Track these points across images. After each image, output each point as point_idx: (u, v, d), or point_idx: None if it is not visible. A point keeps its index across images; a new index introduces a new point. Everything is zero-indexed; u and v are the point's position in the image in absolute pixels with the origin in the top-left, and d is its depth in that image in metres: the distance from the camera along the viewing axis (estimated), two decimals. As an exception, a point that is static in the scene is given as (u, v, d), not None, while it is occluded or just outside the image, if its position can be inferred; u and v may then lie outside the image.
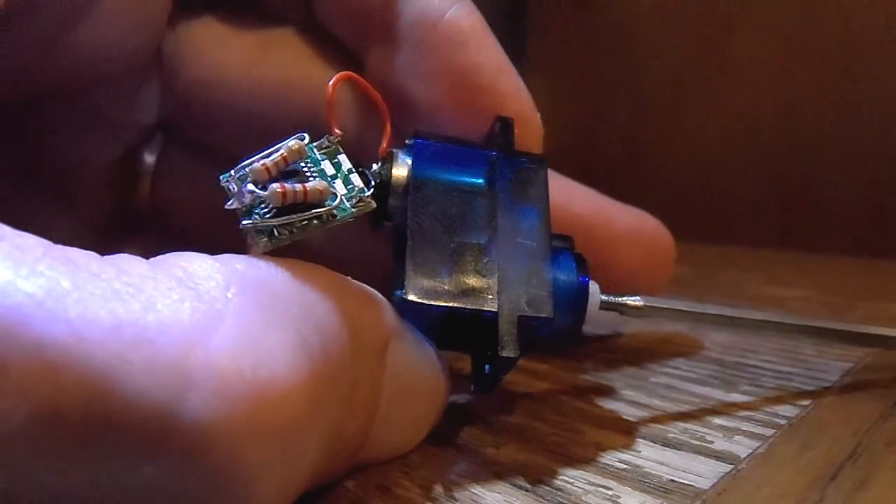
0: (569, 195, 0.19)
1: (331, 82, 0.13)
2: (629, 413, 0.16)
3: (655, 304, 0.15)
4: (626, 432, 0.14)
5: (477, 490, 0.12)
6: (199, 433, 0.08)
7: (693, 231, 0.45)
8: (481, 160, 0.14)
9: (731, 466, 0.13)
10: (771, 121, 0.44)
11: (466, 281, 0.13)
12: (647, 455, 0.13)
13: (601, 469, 0.13)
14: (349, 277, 0.12)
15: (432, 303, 0.12)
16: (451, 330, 0.13)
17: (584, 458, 0.13)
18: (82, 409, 0.07)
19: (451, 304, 0.12)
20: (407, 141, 0.14)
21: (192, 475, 0.08)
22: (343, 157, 0.13)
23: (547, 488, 0.12)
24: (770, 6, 0.43)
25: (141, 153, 0.19)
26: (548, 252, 0.13)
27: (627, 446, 0.14)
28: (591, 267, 0.15)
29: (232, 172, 0.12)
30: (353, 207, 0.12)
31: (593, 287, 0.14)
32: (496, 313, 0.12)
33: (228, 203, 0.12)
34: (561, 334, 0.14)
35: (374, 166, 0.14)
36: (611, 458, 0.13)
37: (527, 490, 0.12)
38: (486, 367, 0.14)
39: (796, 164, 0.43)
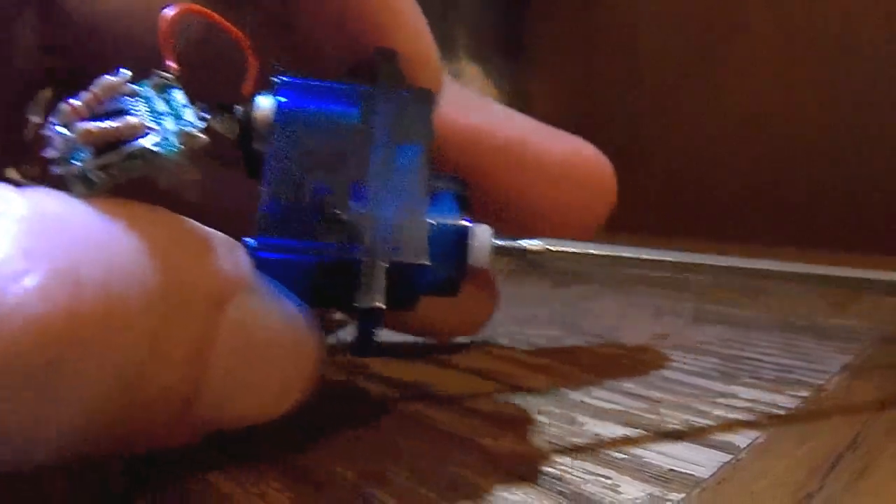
0: (492, 121, 0.17)
1: (169, 15, 0.12)
2: (628, 404, 0.15)
3: (560, 248, 0.14)
4: (625, 423, 0.14)
5: (476, 480, 0.12)
6: None
7: (693, 228, 0.45)
8: (357, 97, 0.13)
9: (731, 456, 0.13)
10: (771, 118, 0.44)
11: (329, 227, 0.12)
12: (646, 445, 0.13)
13: (600, 459, 0.13)
14: (202, 226, 0.11)
15: (283, 255, 0.11)
16: (320, 283, 0.12)
17: (582, 449, 0.13)
18: None
19: (307, 255, 0.11)
20: (273, 80, 0.13)
21: None
22: (177, 93, 0.12)
23: (545, 478, 0.12)
24: (771, 4, 0.43)
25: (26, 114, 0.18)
26: (425, 192, 0.12)
27: (626, 437, 0.14)
28: (519, 203, 0.14)
29: (50, 119, 0.11)
30: (182, 143, 0.11)
31: (483, 231, 0.13)
32: (363, 261, 0.11)
33: (45, 151, 0.11)
34: (444, 284, 0.13)
35: (239, 109, 0.13)
36: (610, 449, 0.13)
37: (525, 480, 0.12)
38: (365, 323, 0.13)
39: (796, 162, 0.43)
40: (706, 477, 0.12)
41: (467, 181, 0.14)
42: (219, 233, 0.12)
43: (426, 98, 0.13)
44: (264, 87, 0.13)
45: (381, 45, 0.14)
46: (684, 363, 0.18)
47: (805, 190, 0.42)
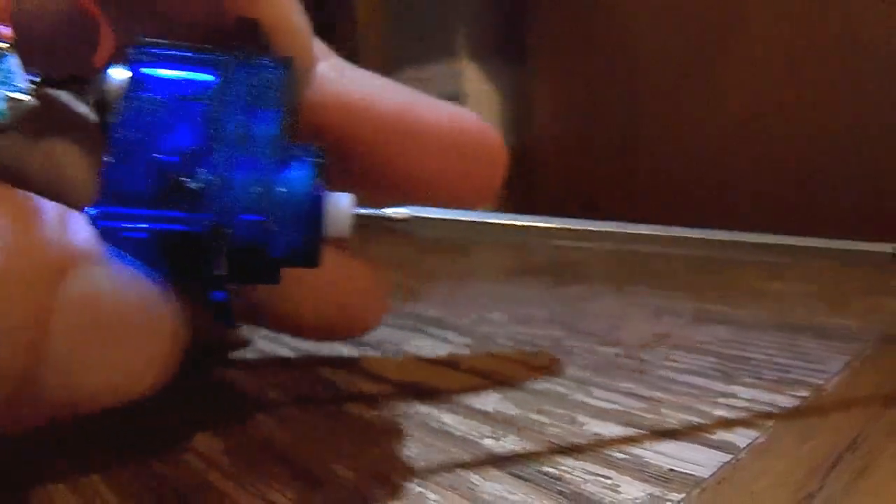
0: (372, 92, 0.17)
1: None
2: (628, 404, 0.15)
3: (426, 215, 0.13)
4: (626, 423, 0.14)
5: (476, 480, 0.12)
6: None
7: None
8: (215, 64, 0.13)
9: (731, 456, 0.13)
10: (770, 118, 0.44)
11: (174, 195, 0.11)
12: (646, 445, 0.13)
13: (600, 459, 0.13)
14: (34, 196, 0.11)
15: (125, 224, 0.11)
16: (170, 255, 0.12)
17: (583, 449, 0.13)
18: None
19: (150, 224, 0.11)
20: (127, 50, 0.13)
21: None
22: (11, 61, 0.12)
23: (546, 478, 0.12)
24: (771, 4, 0.43)
25: None
26: (279, 159, 0.12)
27: (627, 437, 0.14)
28: (402, 173, 0.14)
29: None
30: (7, 109, 0.11)
31: (341, 199, 0.13)
32: (207, 229, 0.11)
33: None
34: (300, 254, 0.13)
35: (93, 82, 0.13)
36: (610, 449, 0.13)
37: (526, 480, 0.12)
38: (217, 295, 0.12)
39: (798, 162, 0.43)
40: (706, 477, 0.12)
41: (332, 150, 0.14)
42: (55, 203, 0.11)
43: (285, 65, 0.13)
44: (120, 57, 0.13)
45: (242, 15, 0.14)
46: (684, 363, 0.18)
47: (806, 189, 0.42)
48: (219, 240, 0.11)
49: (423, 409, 0.16)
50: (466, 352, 0.20)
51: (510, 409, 0.16)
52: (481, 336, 0.22)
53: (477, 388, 0.17)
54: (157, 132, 0.12)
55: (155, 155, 0.12)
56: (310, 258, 0.13)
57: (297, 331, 0.18)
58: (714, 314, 0.23)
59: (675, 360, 0.18)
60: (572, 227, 0.14)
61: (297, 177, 0.12)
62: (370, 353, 0.21)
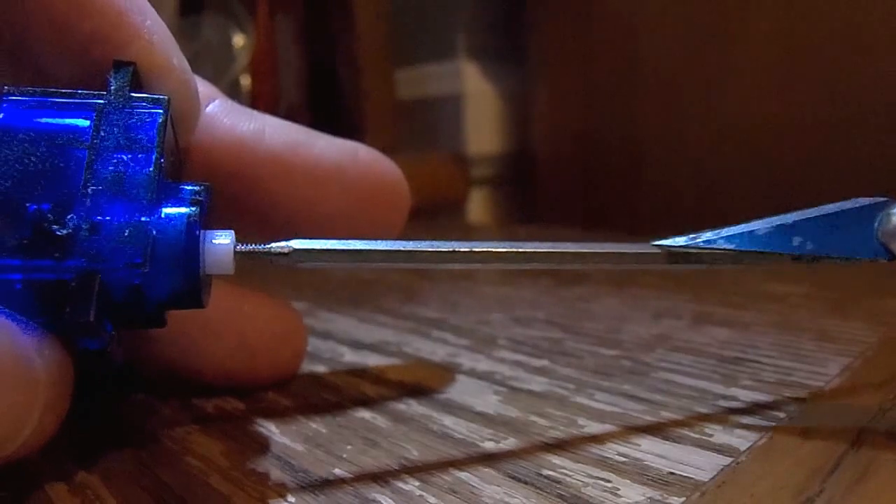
0: (262, 130, 0.16)
1: None
2: (628, 407, 0.15)
3: (308, 247, 0.13)
4: (626, 426, 0.14)
5: (476, 483, 0.12)
6: None
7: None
8: (88, 109, 0.13)
9: (731, 459, 0.13)
10: (771, 121, 0.44)
11: (43, 243, 0.11)
12: (646, 448, 0.13)
13: (600, 462, 0.13)
14: None
15: None
16: (42, 306, 0.12)
17: (583, 452, 0.13)
18: None
19: (18, 276, 0.11)
20: None
21: None
22: None
23: (546, 481, 0.12)
24: (771, 7, 0.43)
25: None
26: (151, 202, 0.12)
27: (627, 440, 0.14)
28: (294, 209, 0.15)
29: None
30: None
31: (222, 237, 0.13)
32: (76, 274, 0.11)
33: None
34: (182, 295, 0.12)
35: None
36: (610, 452, 0.13)
37: (525, 483, 0.12)
38: (90, 343, 0.12)
39: (796, 165, 0.43)
40: (706, 480, 0.12)
41: (224, 188, 0.14)
42: None
43: (160, 105, 0.13)
44: None
45: (118, 58, 0.14)
46: (684, 365, 0.18)
47: (806, 198, 0.42)
48: (88, 286, 0.11)
49: (423, 411, 0.16)
50: (466, 353, 0.20)
51: (510, 412, 0.16)
52: (481, 337, 0.22)
53: (477, 391, 0.17)
54: (27, 181, 0.12)
55: (25, 204, 0.12)
56: (193, 299, 0.12)
57: (207, 378, 0.17)
58: (714, 316, 0.23)
59: (675, 363, 0.18)
60: (460, 250, 0.13)
61: (173, 217, 0.12)
62: (370, 354, 0.21)
